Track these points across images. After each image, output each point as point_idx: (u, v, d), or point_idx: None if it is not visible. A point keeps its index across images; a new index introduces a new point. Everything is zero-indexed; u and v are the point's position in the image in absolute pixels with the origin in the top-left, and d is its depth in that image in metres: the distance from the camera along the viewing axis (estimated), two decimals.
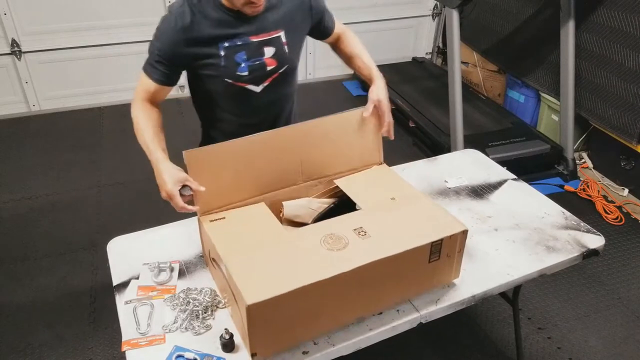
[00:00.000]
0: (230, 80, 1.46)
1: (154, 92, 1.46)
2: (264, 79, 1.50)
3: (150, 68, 1.44)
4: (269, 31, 1.45)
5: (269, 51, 1.46)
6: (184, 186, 1.30)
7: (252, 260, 1.20)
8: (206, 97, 1.56)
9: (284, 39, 1.48)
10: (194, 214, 1.42)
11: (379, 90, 1.54)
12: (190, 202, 1.32)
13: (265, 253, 1.22)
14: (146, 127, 1.41)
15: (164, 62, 1.41)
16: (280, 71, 1.51)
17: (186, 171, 1.32)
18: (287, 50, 1.49)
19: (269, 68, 1.48)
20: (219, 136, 1.59)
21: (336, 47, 1.72)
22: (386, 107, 1.52)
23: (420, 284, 1.34)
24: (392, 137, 1.55)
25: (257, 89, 1.51)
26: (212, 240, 1.26)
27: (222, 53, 1.42)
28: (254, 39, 1.44)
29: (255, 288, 1.10)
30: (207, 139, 1.66)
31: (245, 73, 1.46)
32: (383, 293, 1.28)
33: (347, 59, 1.70)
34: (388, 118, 1.53)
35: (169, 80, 1.46)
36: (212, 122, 1.66)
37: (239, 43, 1.42)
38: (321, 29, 1.62)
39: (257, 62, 1.46)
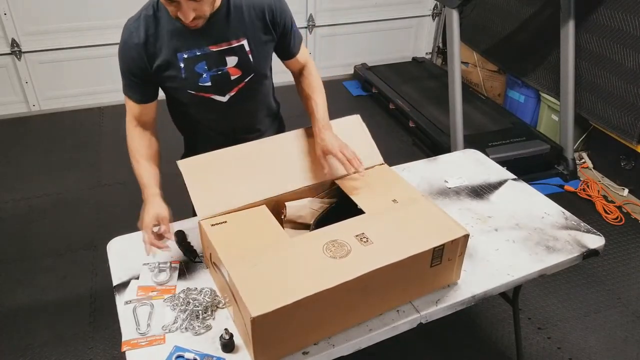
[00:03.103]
0: (192, 92, 1.44)
1: (140, 113, 1.46)
2: (229, 89, 1.47)
3: (127, 90, 1.44)
4: (229, 40, 1.40)
5: (231, 60, 1.42)
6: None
7: (254, 268, 1.19)
8: (177, 107, 1.55)
9: (247, 48, 1.43)
10: (194, 214, 1.42)
11: (322, 143, 1.45)
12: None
13: (268, 260, 1.22)
14: (139, 160, 1.44)
15: (135, 80, 1.40)
16: (247, 80, 1.47)
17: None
18: (251, 59, 1.44)
19: (233, 77, 1.45)
20: (199, 144, 1.58)
21: (297, 81, 1.63)
22: (337, 151, 1.43)
23: (422, 288, 1.34)
24: (361, 171, 1.44)
25: (223, 99, 1.48)
26: (213, 245, 1.26)
27: (182, 65, 1.39)
28: (214, 49, 1.40)
29: (259, 299, 1.10)
30: (189, 148, 1.65)
31: (208, 83, 1.43)
32: (385, 298, 1.28)
33: (303, 98, 1.59)
34: (342, 160, 1.43)
35: (147, 97, 1.45)
36: (189, 132, 1.65)
37: (198, 53, 1.39)
38: (285, 46, 1.52)
39: (220, 72, 1.43)
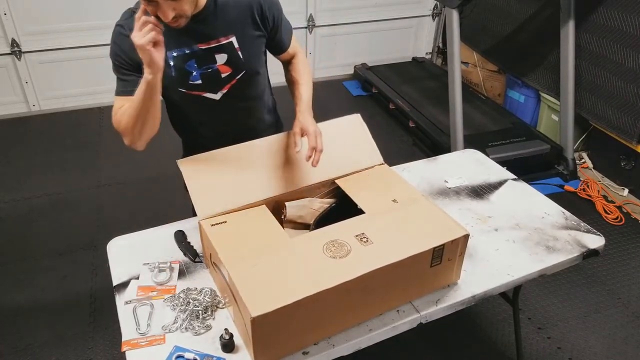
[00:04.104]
0: (183, 90, 1.43)
1: None
2: (220, 86, 1.46)
3: (122, 84, 1.40)
4: (217, 38, 1.40)
5: (220, 58, 1.42)
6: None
7: (254, 268, 1.19)
8: (173, 110, 1.54)
9: (236, 45, 1.42)
10: (194, 214, 1.42)
11: (303, 122, 1.43)
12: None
13: (268, 260, 1.22)
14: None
15: (133, 72, 1.37)
16: (238, 77, 1.47)
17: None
18: (241, 56, 1.44)
19: (223, 75, 1.44)
20: (197, 146, 1.55)
21: (286, 69, 1.63)
22: (312, 132, 1.40)
23: (422, 288, 1.34)
24: (315, 165, 1.39)
25: (216, 96, 1.47)
26: (213, 245, 1.26)
27: (172, 63, 1.39)
28: (203, 47, 1.39)
29: (259, 299, 1.10)
30: (188, 151, 1.64)
31: (198, 82, 1.42)
32: (385, 298, 1.28)
33: (290, 83, 1.59)
34: (312, 143, 1.39)
35: None
36: (187, 135, 1.64)
37: (187, 52, 1.39)
38: (276, 42, 1.52)
39: (210, 70, 1.42)
